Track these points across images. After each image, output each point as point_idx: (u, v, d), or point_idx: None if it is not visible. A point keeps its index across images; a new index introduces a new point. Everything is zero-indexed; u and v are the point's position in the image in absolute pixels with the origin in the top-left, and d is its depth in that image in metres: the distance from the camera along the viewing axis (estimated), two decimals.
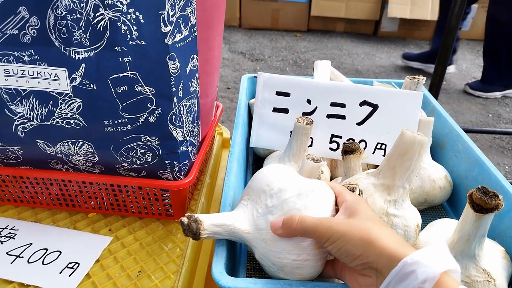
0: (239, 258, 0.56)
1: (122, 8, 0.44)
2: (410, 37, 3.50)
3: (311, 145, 0.69)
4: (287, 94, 0.69)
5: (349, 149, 0.58)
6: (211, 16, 0.59)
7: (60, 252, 0.57)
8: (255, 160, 0.80)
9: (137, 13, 0.45)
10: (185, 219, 0.41)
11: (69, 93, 0.49)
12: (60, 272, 0.54)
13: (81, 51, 0.47)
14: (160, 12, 0.45)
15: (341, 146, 0.64)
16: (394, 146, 0.48)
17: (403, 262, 0.33)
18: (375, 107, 0.66)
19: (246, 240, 0.43)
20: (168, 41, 0.47)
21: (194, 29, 0.52)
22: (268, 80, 0.69)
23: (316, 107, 0.68)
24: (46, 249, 0.58)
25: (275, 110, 0.70)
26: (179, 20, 0.48)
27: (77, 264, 0.55)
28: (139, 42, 0.46)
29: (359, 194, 0.44)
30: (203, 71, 0.61)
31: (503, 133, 1.89)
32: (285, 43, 3.33)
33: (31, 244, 0.58)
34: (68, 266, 0.55)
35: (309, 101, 0.68)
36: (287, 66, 2.86)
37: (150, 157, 0.55)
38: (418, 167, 0.48)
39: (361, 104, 0.66)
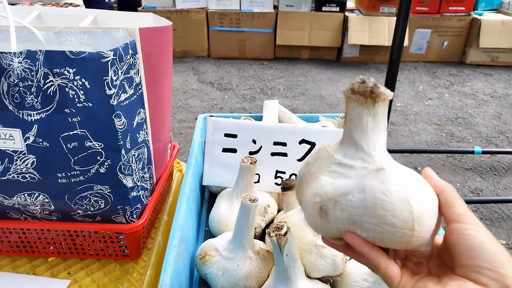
0: None
1: (69, 75, 0.50)
2: (370, 62, 3.69)
3: (258, 181, 0.75)
4: (234, 136, 0.76)
5: (287, 186, 0.64)
6: (159, 71, 0.65)
7: None
8: (211, 195, 0.85)
9: (83, 80, 0.50)
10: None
11: (24, 151, 0.54)
12: None
13: (33, 114, 0.52)
14: (104, 78, 0.51)
15: None
16: None
17: None
18: (312, 144, 0.73)
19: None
20: (113, 102, 0.52)
21: (139, 87, 0.58)
22: (217, 123, 0.76)
23: (261, 147, 0.75)
24: None
25: (224, 150, 0.76)
26: (123, 82, 0.54)
27: None
28: (86, 104, 0.51)
29: (286, 232, 0.49)
30: (154, 119, 0.67)
31: (454, 152, 2.02)
32: (253, 71, 3.44)
33: None
34: None
35: (254, 141, 0.75)
36: (254, 94, 2.96)
37: (103, 204, 0.59)
38: None
39: (300, 142, 0.73)
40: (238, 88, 3.08)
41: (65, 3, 5.45)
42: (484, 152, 1.87)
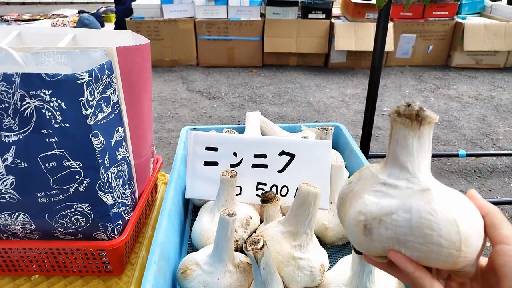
0: None
1: (46, 97, 0.51)
2: (357, 67, 3.74)
3: (240, 193, 0.76)
4: (215, 149, 0.77)
5: (267, 198, 0.66)
6: (138, 88, 0.66)
7: None
8: (195, 208, 0.86)
9: (59, 101, 0.51)
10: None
11: (2, 172, 0.54)
12: None
13: (11, 135, 0.52)
14: (80, 99, 0.51)
15: None
16: (295, 198, 0.56)
17: None
18: (292, 156, 0.74)
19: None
20: (90, 122, 0.53)
21: (117, 105, 0.59)
22: (198, 137, 0.77)
23: (242, 159, 0.76)
24: None
25: (206, 163, 0.77)
26: (100, 102, 0.55)
27: None
28: (63, 125, 0.52)
29: (262, 246, 0.50)
30: (134, 135, 0.68)
31: (439, 156, 2.05)
32: (241, 79, 3.46)
33: None
34: None
35: (235, 154, 0.76)
36: (243, 102, 2.97)
37: (84, 221, 0.60)
38: (315, 215, 0.56)
39: (280, 154, 0.75)
40: (227, 96, 3.09)
41: (53, 15, 5.44)
42: (468, 155, 1.90)
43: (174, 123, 2.66)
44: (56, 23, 4.55)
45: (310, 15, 3.54)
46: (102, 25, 4.58)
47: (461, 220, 0.32)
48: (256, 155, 0.75)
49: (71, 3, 7.37)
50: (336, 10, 3.94)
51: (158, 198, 0.92)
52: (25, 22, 5.10)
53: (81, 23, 4.52)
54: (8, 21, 5.11)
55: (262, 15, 3.71)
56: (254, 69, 3.71)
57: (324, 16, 3.54)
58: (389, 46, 3.51)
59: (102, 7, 5.16)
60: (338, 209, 0.40)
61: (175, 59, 3.80)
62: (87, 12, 5.04)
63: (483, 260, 0.38)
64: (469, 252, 0.33)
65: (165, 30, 3.64)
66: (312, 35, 3.57)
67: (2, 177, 0.54)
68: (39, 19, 5.22)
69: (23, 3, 7.46)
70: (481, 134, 2.48)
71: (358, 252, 0.49)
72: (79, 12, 5.46)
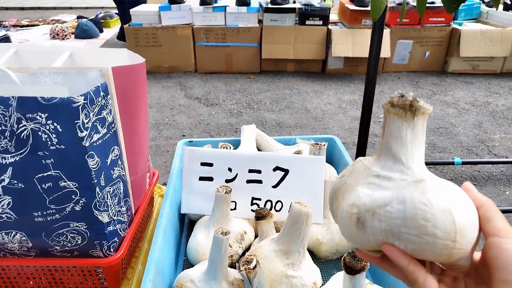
0: None
1: (42, 120, 0.52)
2: (355, 73, 3.75)
3: (235, 208, 0.77)
4: (210, 164, 0.78)
5: (260, 215, 0.67)
6: (134, 107, 0.67)
7: None
8: (190, 221, 0.87)
9: (55, 124, 0.52)
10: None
11: None
12: None
13: (8, 157, 0.53)
14: (75, 122, 0.52)
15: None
16: (287, 217, 0.57)
17: None
18: (286, 171, 0.75)
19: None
20: (85, 143, 0.54)
21: (112, 125, 0.60)
22: (193, 153, 0.78)
23: (237, 174, 0.77)
24: None
25: (201, 179, 0.78)
26: (95, 123, 0.56)
27: None
28: (59, 147, 0.53)
29: (255, 266, 0.51)
30: (130, 153, 0.69)
31: (435, 164, 2.06)
32: (239, 85, 3.48)
33: None
34: None
35: (230, 169, 0.77)
36: (241, 109, 2.99)
37: (80, 239, 0.61)
38: (308, 234, 0.57)
39: (274, 169, 0.76)
40: (224, 102, 3.11)
41: (52, 20, 5.46)
42: (464, 163, 1.92)
43: (172, 131, 2.67)
44: (55, 29, 4.56)
45: (307, 22, 3.56)
46: (101, 31, 4.59)
47: (456, 210, 0.32)
48: (250, 171, 0.76)
49: (70, 8, 7.39)
50: (333, 16, 3.97)
51: (155, 211, 0.93)
52: (24, 28, 5.11)
53: (80, 29, 4.53)
54: (7, 26, 5.12)
55: (260, 21, 3.72)
56: (252, 75, 3.72)
57: (321, 22, 3.56)
58: (385, 52, 3.53)
59: (100, 13, 5.18)
60: (330, 203, 0.39)
61: (173, 66, 3.81)
62: (86, 18, 5.06)
63: (477, 255, 0.37)
64: (464, 244, 0.32)
65: (163, 36, 3.66)
66: (310, 41, 3.59)
67: None
68: (38, 25, 5.24)
69: (22, 9, 7.48)
70: (477, 141, 2.49)
71: (348, 272, 0.50)
72: (78, 17, 5.48)
